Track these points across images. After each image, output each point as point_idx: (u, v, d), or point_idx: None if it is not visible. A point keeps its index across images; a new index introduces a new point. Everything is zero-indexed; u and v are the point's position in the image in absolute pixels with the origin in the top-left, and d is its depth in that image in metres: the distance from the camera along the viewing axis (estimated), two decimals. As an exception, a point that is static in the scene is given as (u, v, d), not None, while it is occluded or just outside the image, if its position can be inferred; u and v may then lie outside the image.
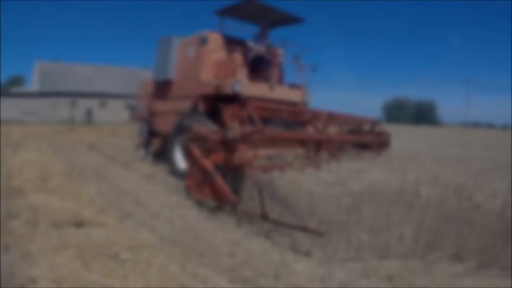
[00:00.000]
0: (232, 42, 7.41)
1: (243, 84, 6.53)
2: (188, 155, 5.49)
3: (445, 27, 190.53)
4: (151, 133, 9.41)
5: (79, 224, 3.61)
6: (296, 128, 7.49)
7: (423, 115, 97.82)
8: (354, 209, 3.98)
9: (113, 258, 2.77)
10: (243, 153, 4.69)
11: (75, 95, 36.75)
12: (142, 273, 2.53)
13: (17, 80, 66.49)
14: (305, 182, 4.37)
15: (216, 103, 6.20)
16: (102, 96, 38.17)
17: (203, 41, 6.69)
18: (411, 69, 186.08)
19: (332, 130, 6.78)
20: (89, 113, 36.43)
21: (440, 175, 4.52)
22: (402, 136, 13.05)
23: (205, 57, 7.07)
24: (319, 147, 5.93)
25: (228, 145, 4.81)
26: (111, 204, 4.68)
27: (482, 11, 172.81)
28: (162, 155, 8.08)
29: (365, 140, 7.09)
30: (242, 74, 6.95)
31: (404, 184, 4.11)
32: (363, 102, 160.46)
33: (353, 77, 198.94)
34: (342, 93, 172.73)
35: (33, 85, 39.01)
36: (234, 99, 5.47)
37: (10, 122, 25.04)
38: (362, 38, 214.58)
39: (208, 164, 4.87)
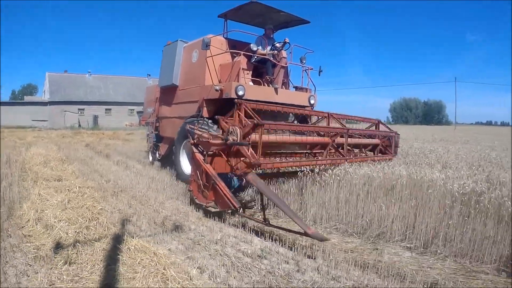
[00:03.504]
0: (235, 46, 7.31)
1: (246, 88, 6.43)
2: (191, 160, 5.58)
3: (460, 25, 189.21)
4: (158, 138, 9.59)
5: (59, 180, 6.60)
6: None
7: (431, 115, 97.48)
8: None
9: (70, 190, 5.68)
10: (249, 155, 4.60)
11: (82, 103, 40.23)
12: (80, 196, 5.42)
13: (30, 89, 71.14)
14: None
15: (220, 107, 6.27)
16: (108, 104, 41.53)
17: (206, 45, 6.51)
18: (423, 70, 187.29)
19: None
20: (95, 119, 39.79)
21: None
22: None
23: (209, 61, 6.95)
24: (324, 149, 5.99)
25: (230, 150, 4.84)
26: (84, 175, 7.57)
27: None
28: (169, 160, 8.22)
29: (370, 142, 7.04)
30: (246, 78, 6.93)
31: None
32: (375, 103, 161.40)
33: (366, 80, 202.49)
34: (355, 96, 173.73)
35: (44, 94, 42.80)
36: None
37: (24, 128, 28.65)
38: (374, 40, 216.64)
39: (210, 169, 4.91)
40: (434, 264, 3.65)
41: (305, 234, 3.72)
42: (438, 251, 3.89)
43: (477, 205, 3.88)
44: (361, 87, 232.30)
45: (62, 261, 3.22)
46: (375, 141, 7.22)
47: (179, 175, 7.35)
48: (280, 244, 3.95)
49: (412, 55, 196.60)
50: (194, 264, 3.26)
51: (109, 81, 44.15)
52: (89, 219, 4.26)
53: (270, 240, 4.08)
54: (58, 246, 3.58)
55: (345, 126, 6.57)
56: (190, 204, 5.62)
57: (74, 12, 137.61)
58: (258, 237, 4.22)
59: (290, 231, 4.13)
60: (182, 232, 4.26)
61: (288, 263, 3.46)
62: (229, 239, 4.06)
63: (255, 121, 4.75)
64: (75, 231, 3.85)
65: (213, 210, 4.91)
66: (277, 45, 7.15)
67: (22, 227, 4.11)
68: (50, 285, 2.79)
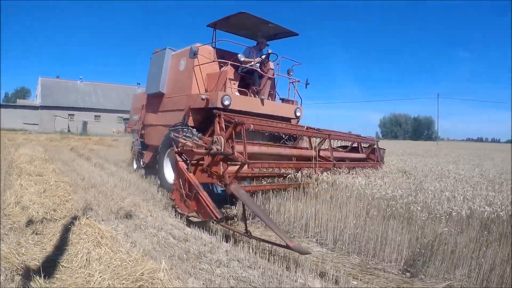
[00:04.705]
0: (223, 55, 7.21)
1: (233, 98, 6.33)
2: (175, 168, 5.43)
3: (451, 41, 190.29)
4: (143, 146, 9.40)
5: (40, 175, 7.52)
6: (287, 143, 7.28)
7: (421, 131, 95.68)
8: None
9: (47, 183, 6.61)
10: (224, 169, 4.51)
11: (73, 109, 40.95)
12: (54, 188, 6.37)
13: (23, 92, 71.27)
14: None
15: (206, 117, 6.07)
16: (97, 111, 42.33)
17: (193, 54, 6.42)
18: (413, 85, 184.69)
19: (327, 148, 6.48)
20: (84, 125, 40.44)
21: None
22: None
23: (196, 70, 6.83)
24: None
25: (212, 159, 4.76)
26: (63, 173, 8.49)
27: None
28: (154, 168, 8.00)
29: (356, 157, 6.70)
30: (232, 88, 6.79)
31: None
32: (365, 118, 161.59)
33: (357, 94, 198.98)
34: (346, 111, 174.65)
35: (36, 98, 43.31)
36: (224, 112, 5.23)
37: (15, 131, 29.18)
38: (365, 55, 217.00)
39: (193, 178, 4.79)
40: (338, 258, 4.14)
41: (287, 246, 3.59)
42: (344, 247, 4.36)
43: (388, 209, 4.20)
44: (350, 101, 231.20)
45: (31, 232, 4.18)
46: (360, 155, 7.10)
47: (162, 184, 7.24)
48: (204, 231, 4.65)
49: (403, 71, 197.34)
50: (129, 239, 4.13)
51: (100, 88, 45.05)
52: (58, 204, 5.23)
53: (199, 228, 4.85)
54: (29, 222, 4.52)
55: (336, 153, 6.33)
56: (148, 200, 6.54)
57: (71, 19, 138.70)
58: (189, 227, 4.97)
59: (271, 243, 4.07)
60: (131, 219, 5.12)
61: (205, 245, 4.07)
62: (166, 226, 4.85)
63: (236, 121, 4.72)
64: (44, 212, 4.81)
65: (195, 220, 4.90)
66: (262, 57, 7.13)
67: (4, 209, 5.04)
68: (17, 245, 3.73)
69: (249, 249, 4.07)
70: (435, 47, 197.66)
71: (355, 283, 3.51)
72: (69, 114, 40.78)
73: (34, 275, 2.88)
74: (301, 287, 3.19)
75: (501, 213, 3.70)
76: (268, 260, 3.82)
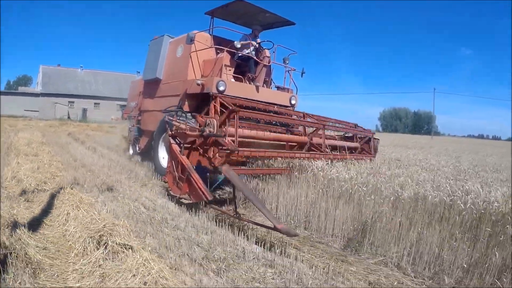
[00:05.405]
0: (220, 42, 7.26)
1: (228, 84, 6.36)
2: (168, 151, 5.49)
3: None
4: (140, 132, 9.51)
5: (36, 155, 8.24)
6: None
7: (421, 125, 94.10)
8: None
9: (41, 162, 7.33)
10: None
11: (73, 96, 41.54)
12: (47, 166, 7.09)
13: (25, 80, 71.59)
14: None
15: (201, 102, 6.12)
16: (97, 98, 42.87)
17: (190, 40, 6.48)
18: (415, 82, 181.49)
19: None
20: (84, 112, 41.08)
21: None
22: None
23: (192, 56, 6.92)
24: (302, 149, 5.78)
25: (206, 142, 4.75)
26: (57, 154, 9.18)
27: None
28: (149, 153, 8.09)
29: (349, 146, 6.71)
30: (228, 74, 6.82)
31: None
32: (365, 113, 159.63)
33: (357, 87, 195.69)
34: (346, 104, 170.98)
35: (37, 85, 43.86)
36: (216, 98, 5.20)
37: (16, 117, 29.79)
38: (366, 47, 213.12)
39: (186, 160, 4.84)
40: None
41: (275, 228, 3.62)
42: (294, 222, 4.85)
43: (338, 189, 4.50)
44: (349, 93, 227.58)
45: (23, 199, 4.91)
46: (354, 144, 7.09)
47: (157, 168, 7.39)
48: (172, 203, 5.15)
49: (405, 66, 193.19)
50: (105, 207, 4.70)
51: (100, 76, 45.62)
52: (49, 178, 5.96)
53: (168, 200, 5.31)
54: (23, 192, 5.25)
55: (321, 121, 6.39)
56: (130, 179, 7.23)
57: (73, 9, 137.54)
58: (161, 198, 5.61)
59: (260, 225, 4.15)
60: (111, 192, 5.76)
61: (169, 214, 4.54)
62: (141, 198, 5.43)
63: (231, 108, 4.68)
64: (36, 184, 5.54)
65: (186, 201, 4.92)
66: (257, 41, 7.21)
67: (1, 182, 5.76)
68: (10, 208, 4.44)
69: (205, 218, 4.62)
70: (437, 42, 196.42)
71: (292, 251, 3.81)
72: (69, 102, 41.42)
73: (21, 228, 3.59)
74: (240, 250, 3.58)
75: (444, 198, 3.78)
76: (221, 227, 4.27)
